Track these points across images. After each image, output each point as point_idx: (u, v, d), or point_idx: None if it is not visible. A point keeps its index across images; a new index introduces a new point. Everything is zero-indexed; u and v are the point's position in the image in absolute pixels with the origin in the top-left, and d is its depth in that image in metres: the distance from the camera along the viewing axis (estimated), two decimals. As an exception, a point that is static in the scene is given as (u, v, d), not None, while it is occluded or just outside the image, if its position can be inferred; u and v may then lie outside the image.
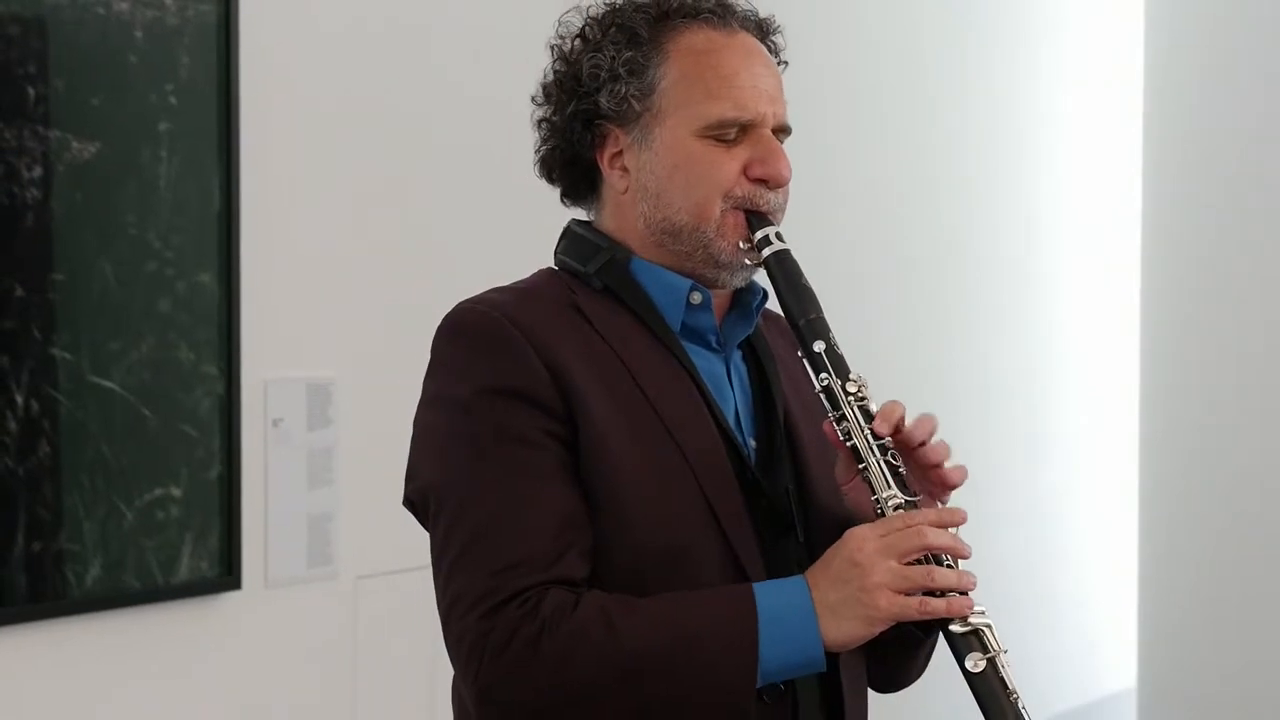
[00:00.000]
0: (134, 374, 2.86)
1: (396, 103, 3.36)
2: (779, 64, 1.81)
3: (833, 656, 1.64)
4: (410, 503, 1.73)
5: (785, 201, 1.76)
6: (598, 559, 1.62)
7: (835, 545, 1.59)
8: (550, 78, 1.79)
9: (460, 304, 1.72)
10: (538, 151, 1.81)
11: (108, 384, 2.82)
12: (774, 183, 1.72)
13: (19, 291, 2.71)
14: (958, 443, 5.83)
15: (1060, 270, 5.85)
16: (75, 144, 2.78)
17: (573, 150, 1.77)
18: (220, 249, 2.99)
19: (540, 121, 1.80)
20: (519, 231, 2.91)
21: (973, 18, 5.36)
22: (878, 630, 1.57)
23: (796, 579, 1.59)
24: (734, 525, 1.65)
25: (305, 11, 3.19)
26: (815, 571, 1.59)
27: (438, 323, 1.71)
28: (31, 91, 2.72)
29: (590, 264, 1.75)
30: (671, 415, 1.67)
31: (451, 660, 1.63)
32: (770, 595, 1.58)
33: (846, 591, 1.56)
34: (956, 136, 5.25)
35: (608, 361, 1.68)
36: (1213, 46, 4.61)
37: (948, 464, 1.70)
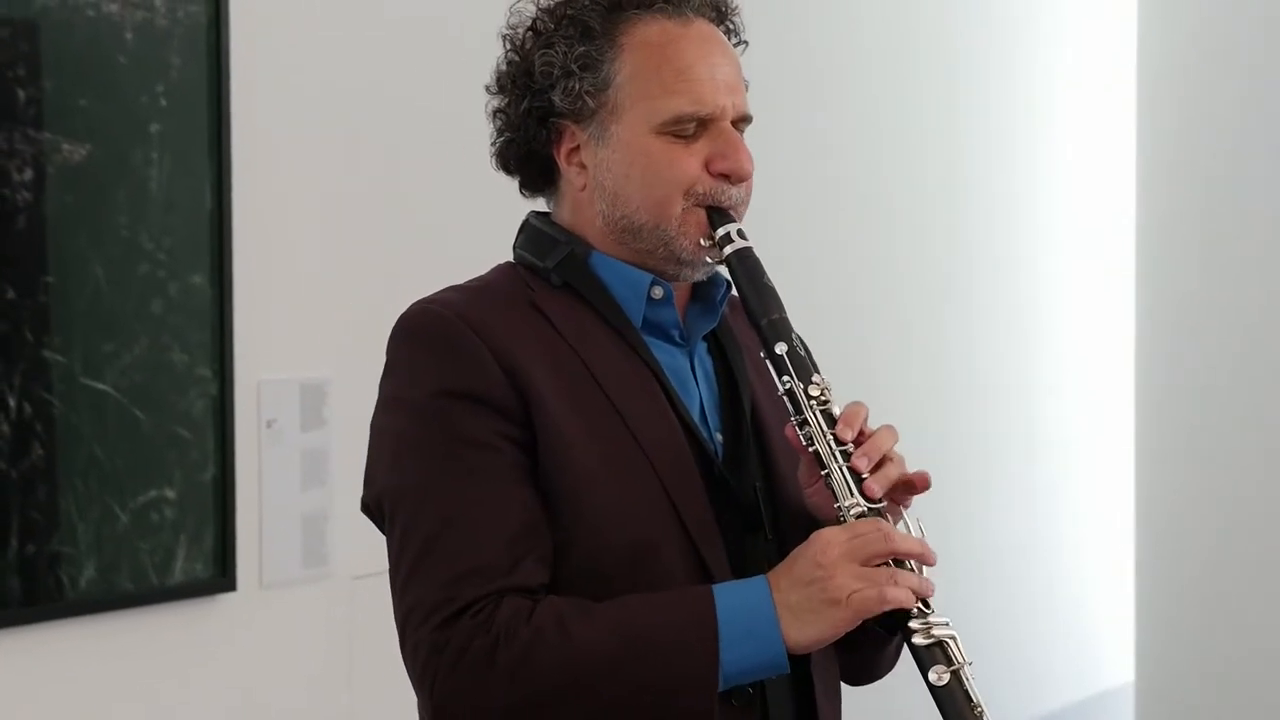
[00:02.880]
0: (127, 376, 2.86)
1: (388, 102, 3.36)
2: (738, 44, 1.76)
3: (804, 658, 1.62)
4: (367, 508, 1.70)
5: (748, 195, 1.71)
6: (561, 561, 1.59)
7: (801, 546, 1.56)
8: (504, 68, 1.75)
9: (414, 304, 1.69)
10: (494, 143, 1.77)
11: (100, 386, 2.82)
12: (736, 177, 1.68)
13: (10, 294, 2.70)
14: (956, 439, 5.84)
15: (1056, 268, 5.85)
16: (66, 146, 2.77)
17: (528, 145, 1.73)
18: (212, 250, 2.99)
19: (495, 112, 1.76)
20: (513, 231, 2.90)
21: (967, 19, 5.36)
22: (840, 632, 1.54)
23: (758, 579, 1.56)
24: (698, 523, 1.62)
25: (295, 12, 3.18)
26: (779, 572, 1.56)
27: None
28: (22, 94, 2.72)
29: (549, 259, 1.71)
30: (632, 412, 1.63)
31: (408, 672, 1.59)
32: (730, 596, 1.54)
33: (809, 593, 1.52)
34: (952, 136, 5.25)
35: (566, 359, 1.64)
36: (1206, 48, 4.61)
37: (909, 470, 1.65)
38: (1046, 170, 5.79)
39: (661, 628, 1.53)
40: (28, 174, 2.72)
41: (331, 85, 3.24)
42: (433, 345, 1.63)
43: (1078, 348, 5.97)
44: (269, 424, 3.11)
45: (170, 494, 2.93)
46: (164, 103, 2.92)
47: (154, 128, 2.90)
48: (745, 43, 1.78)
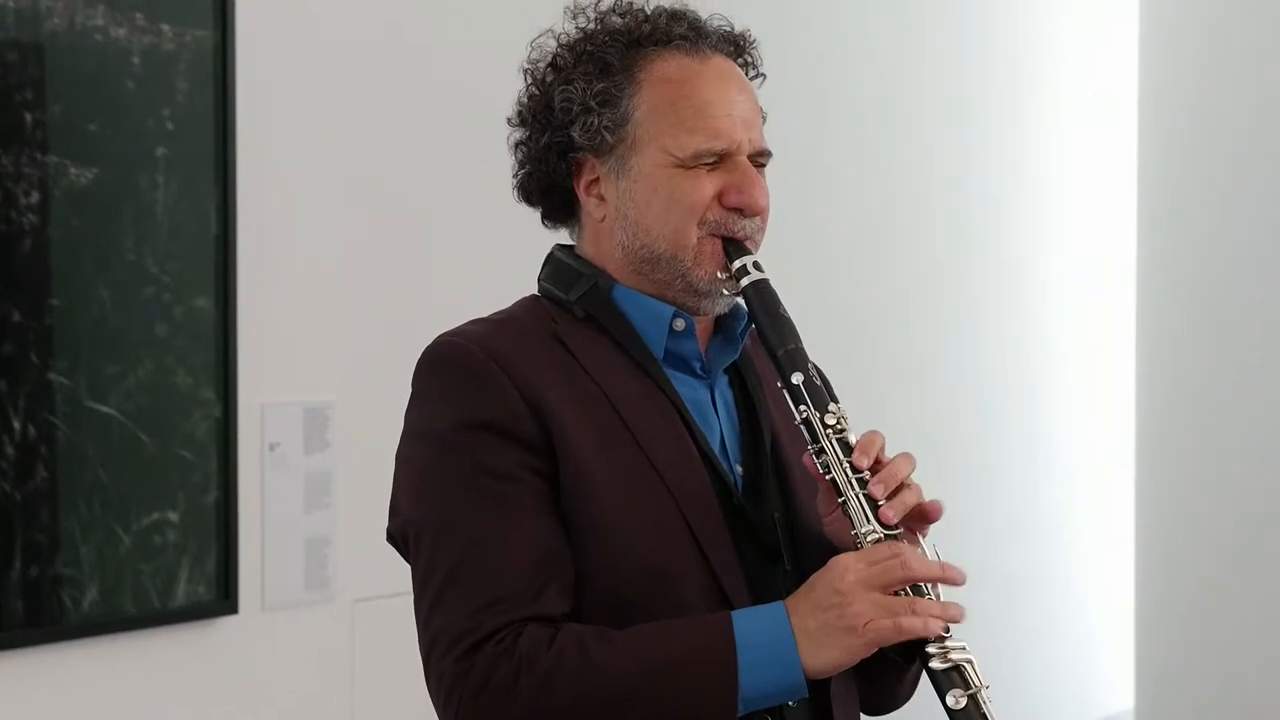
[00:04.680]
0: (131, 398, 2.86)
1: (395, 126, 3.37)
2: (756, 76, 1.79)
3: (824, 683, 1.64)
4: (392, 538, 1.72)
5: (764, 225, 1.74)
6: (582, 591, 1.61)
7: (819, 572, 1.58)
8: (525, 102, 1.77)
9: (439, 337, 1.71)
10: (515, 175, 1.79)
11: (105, 409, 2.83)
12: (749, 211, 1.70)
13: (16, 317, 2.71)
14: (956, 458, 5.81)
15: (1057, 282, 5.85)
16: (73, 169, 2.78)
17: (549, 178, 1.75)
18: (217, 273, 3.00)
19: (517, 145, 1.78)
20: (519, 254, 2.91)
21: (969, 26, 5.37)
22: (857, 659, 1.56)
23: (776, 605, 1.58)
24: (718, 553, 1.64)
25: (301, 36, 3.20)
26: (797, 597, 1.58)
27: (435, 347, 1.69)
28: (29, 117, 2.73)
29: (572, 292, 1.74)
30: (653, 444, 1.65)
31: (432, 701, 1.61)
32: (749, 621, 1.57)
33: (826, 619, 1.54)
34: (951, 147, 5.25)
35: (588, 391, 1.66)
36: (1208, 55, 4.62)
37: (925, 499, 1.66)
38: (1048, 178, 5.79)
39: (681, 653, 1.55)
40: (34, 197, 2.73)
41: (337, 109, 3.25)
42: (456, 377, 1.65)
43: (1079, 362, 5.97)
44: (272, 447, 3.11)
45: (173, 516, 2.93)
46: (170, 127, 2.93)
47: (160, 151, 2.91)
48: (763, 75, 1.80)
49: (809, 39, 4.59)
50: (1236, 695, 4.44)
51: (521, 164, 1.79)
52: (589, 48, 1.73)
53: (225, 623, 3.05)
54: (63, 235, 2.77)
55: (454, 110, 3.47)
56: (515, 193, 1.81)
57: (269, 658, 3.13)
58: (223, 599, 3.02)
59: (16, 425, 2.70)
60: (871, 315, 4.87)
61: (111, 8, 2.83)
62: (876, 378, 4.75)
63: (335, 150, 3.25)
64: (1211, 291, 4.57)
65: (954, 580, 1.60)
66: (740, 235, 1.70)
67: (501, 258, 3.40)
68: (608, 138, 1.70)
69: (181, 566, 2.95)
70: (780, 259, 4.83)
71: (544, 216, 1.82)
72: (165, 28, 2.92)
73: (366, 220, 3.31)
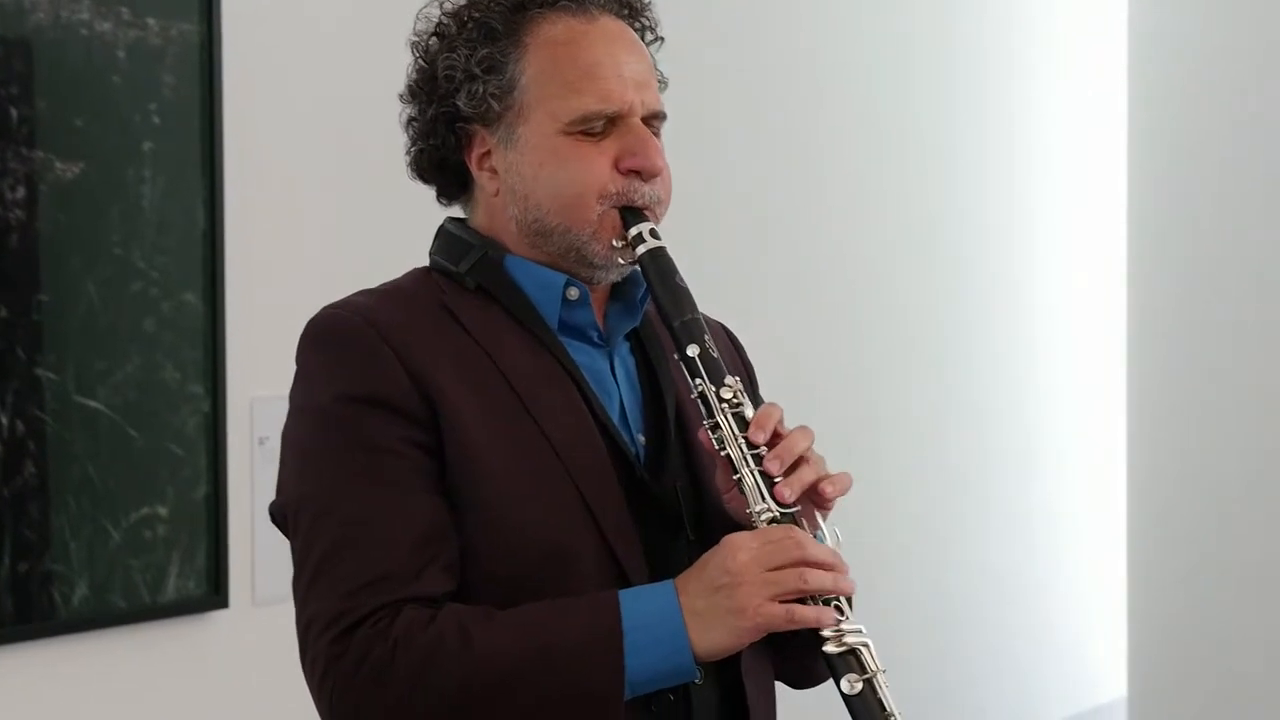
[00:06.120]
0: (120, 394, 2.86)
1: (383, 119, 3.35)
2: (653, 41, 1.73)
3: (734, 660, 1.58)
4: (273, 516, 1.66)
5: (667, 194, 1.68)
6: (472, 568, 1.55)
7: (711, 551, 1.52)
8: (413, 75, 1.73)
9: (322, 309, 1.66)
10: (408, 153, 1.75)
11: (93, 404, 2.82)
12: (647, 174, 1.64)
13: (3, 313, 2.70)
14: (949, 454, 5.79)
15: (1048, 284, 5.86)
16: (59, 165, 2.78)
17: (440, 152, 1.71)
18: (205, 268, 2.99)
19: (409, 121, 1.74)
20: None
21: (958, 27, 5.38)
22: (745, 642, 1.51)
23: (665, 584, 1.52)
24: (615, 527, 1.57)
25: (289, 29, 3.19)
26: (688, 576, 1.52)
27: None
28: (14, 112, 2.72)
29: (463, 263, 1.68)
30: (545, 415, 1.59)
31: (308, 686, 1.56)
32: (637, 602, 1.51)
33: (715, 600, 1.49)
34: (943, 147, 5.26)
35: (478, 363, 1.61)
36: (1197, 51, 4.62)
37: (829, 473, 1.59)
38: (1039, 182, 5.80)
39: (565, 634, 1.49)
40: (20, 192, 2.73)
41: (325, 103, 3.25)
42: (336, 349, 1.61)
43: (1069, 362, 5.98)
44: (261, 441, 3.11)
45: (163, 511, 2.93)
46: (157, 121, 2.92)
47: (147, 146, 2.91)
48: (660, 39, 1.74)
49: (797, 38, 4.58)
50: (1227, 683, 4.45)
51: (413, 141, 1.74)
52: (473, 13, 1.68)
53: (216, 617, 3.04)
54: (49, 230, 2.76)
55: (442, 103, 3.47)
56: (409, 171, 1.76)
57: (260, 652, 3.12)
58: (213, 594, 3.02)
59: (4, 421, 2.70)
60: (864, 314, 4.87)
61: (97, 2, 2.82)
62: (869, 377, 4.75)
63: (323, 144, 3.25)
64: (1202, 291, 4.57)
65: (842, 571, 1.53)
66: (641, 203, 1.65)
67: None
68: (494, 105, 1.65)
69: (171, 561, 2.95)
70: (771, 258, 4.84)
71: (439, 194, 1.77)
72: (151, 22, 2.91)
73: (354, 214, 3.31)
